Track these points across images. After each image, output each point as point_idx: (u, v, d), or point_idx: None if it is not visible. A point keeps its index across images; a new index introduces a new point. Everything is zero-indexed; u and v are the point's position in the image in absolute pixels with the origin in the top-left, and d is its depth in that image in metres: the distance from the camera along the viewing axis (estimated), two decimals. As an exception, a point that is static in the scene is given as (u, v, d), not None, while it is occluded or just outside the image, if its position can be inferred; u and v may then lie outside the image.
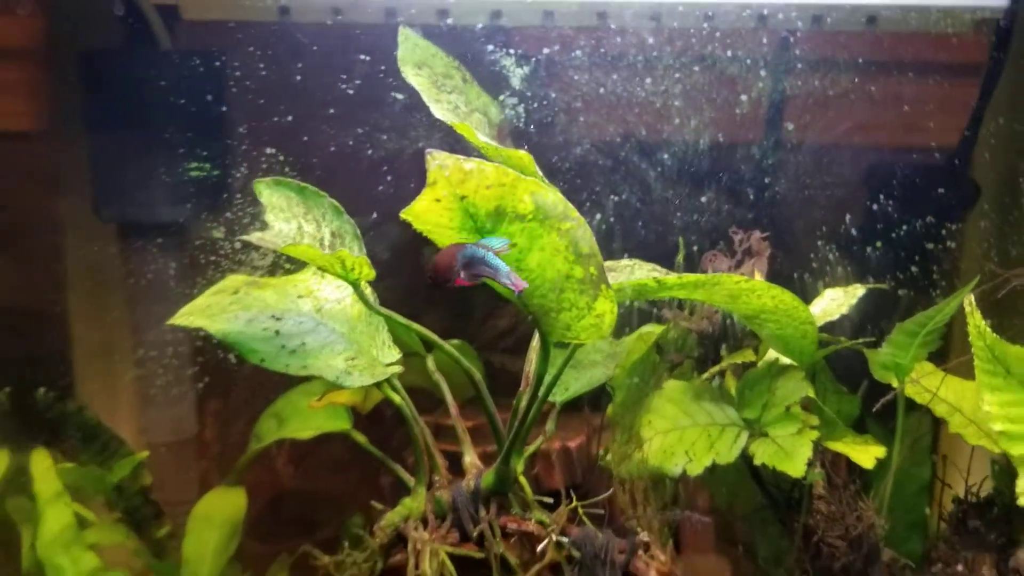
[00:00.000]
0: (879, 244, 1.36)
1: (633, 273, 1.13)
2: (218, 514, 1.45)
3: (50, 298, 1.46)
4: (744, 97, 1.28)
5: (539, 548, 1.11)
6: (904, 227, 1.36)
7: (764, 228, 1.26)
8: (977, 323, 0.98)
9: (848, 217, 1.38)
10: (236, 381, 1.43)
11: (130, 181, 1.41)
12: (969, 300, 1.00)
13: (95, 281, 1.49)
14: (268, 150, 1.27)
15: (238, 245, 1.16)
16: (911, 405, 1.20)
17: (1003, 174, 1.36)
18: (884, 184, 1.41)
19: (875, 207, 1.39)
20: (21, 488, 1.41)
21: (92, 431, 1.47)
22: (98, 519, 1.42)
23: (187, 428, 1.49)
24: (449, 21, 1.24)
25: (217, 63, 1.33)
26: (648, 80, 1.22)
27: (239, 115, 1.36)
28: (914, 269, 1.34)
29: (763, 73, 1.31)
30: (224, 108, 1.36)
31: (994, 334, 0.98)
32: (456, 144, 0.97)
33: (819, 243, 1.34)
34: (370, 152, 1.17)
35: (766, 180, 1.34)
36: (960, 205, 1.40)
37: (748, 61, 1.28)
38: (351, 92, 1.27)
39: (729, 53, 1.27)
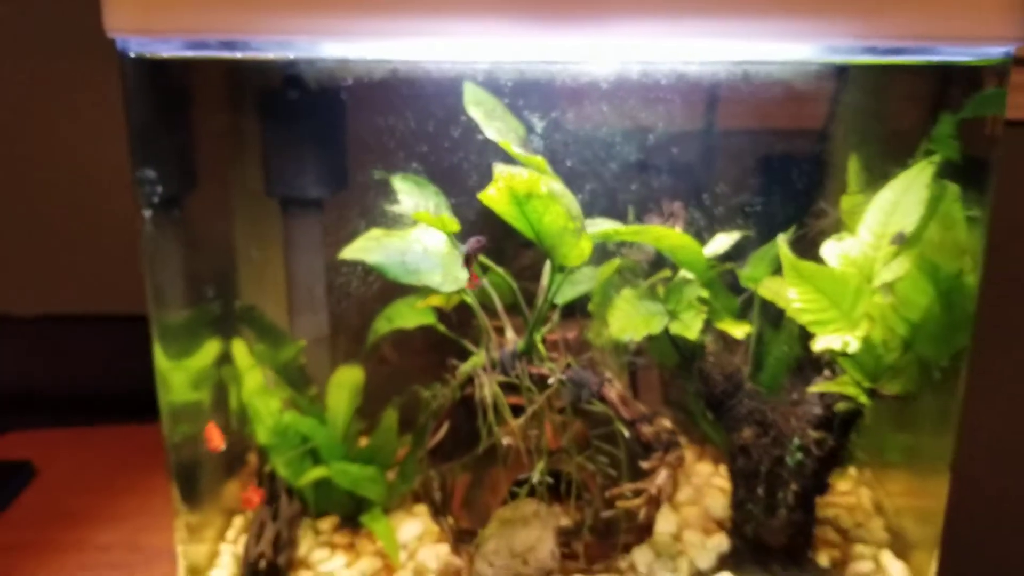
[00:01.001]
0: (762, 205, 1.87)
1: (601, 226, 1.76)
2: (346, 382, 1.96)
3: (234, 247, 2.05)
4: (676, 120, 1.81)
5: (548, 381, 1.74)
6: (779, 194, 1.89)
7: (684, 198, 1.90)
8: (785, 251, 1.63)
9: (743, 190, 1.89)
10: (351, 302, 1.93)
11: (287, 172, 2.04)
12: (783, 239, 1.69)
13: (263, 238, 2.09)
14: (380, 154, 1.84)
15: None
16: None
17: (840, 163, 1.89)
18: (767, 169, 1.98)
19: (762, 183, 1.95)
20: (228, 362, 1.96)
21: (268, 328, 1.96)
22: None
23: (324, 330, 2.11)
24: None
25: (350, 103, 1.88)
26: (614, 112, 1.83)
27: (361, 137, 1.93)
28: (785, 221, 1.83)
29: (691, 104, 1.84)
30: (350, 133, 1.97)
31: (793, 255, 1.60)
32: (508, 158, 1.62)
33: (723, 207, 1.87)
34: (466, 167, 1.76)
35: (687, 169, 1.86)
36: (813, 183, 2.08)
37: (680, 96, 1.79)
38: (431, 128, 1.76)
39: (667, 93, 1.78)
